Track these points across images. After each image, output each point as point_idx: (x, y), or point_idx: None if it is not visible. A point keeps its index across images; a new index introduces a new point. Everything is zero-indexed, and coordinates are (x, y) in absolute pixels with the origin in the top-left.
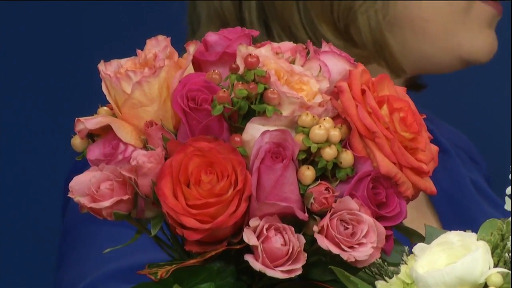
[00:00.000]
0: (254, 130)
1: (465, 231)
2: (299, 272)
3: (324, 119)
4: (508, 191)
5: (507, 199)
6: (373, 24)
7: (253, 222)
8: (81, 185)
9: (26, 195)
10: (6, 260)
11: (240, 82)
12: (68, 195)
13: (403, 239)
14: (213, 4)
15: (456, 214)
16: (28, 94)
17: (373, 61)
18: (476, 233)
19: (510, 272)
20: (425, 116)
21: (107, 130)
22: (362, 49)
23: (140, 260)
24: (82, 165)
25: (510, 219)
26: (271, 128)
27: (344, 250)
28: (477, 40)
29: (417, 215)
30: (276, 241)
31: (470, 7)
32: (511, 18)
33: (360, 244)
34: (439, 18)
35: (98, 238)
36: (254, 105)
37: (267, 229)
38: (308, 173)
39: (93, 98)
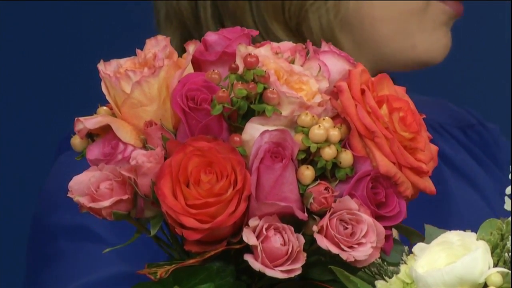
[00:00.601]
0: (254, 130)
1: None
2: (299, 272)
3: (324, 119)
4: (508, 191)
5: (507, 199)
6: (324, 23)
7: (253, 222)
8: (80, 185)
9: (26, 195)
10: (6, 260)
11: (240, 82)
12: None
13: (402, 239)
14: (171, 3)
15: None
16: (27, 93)
17: None
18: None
19: (510, 272)
20: (424, 116)
21: (106, 130)
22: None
23: (108, 273)
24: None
25: (509, 218)
26: (270, 128)
27: (343, 250)
28: (431, 41)
29: None
30: (276, 241)
31: (427, 7)
32: (511, 18)
33: (359, 244)
34: (393, 18)
35: (67, 254)
36: (254, 105)
37: (266, 229)
38: (307, 173)
39: (93, 98)
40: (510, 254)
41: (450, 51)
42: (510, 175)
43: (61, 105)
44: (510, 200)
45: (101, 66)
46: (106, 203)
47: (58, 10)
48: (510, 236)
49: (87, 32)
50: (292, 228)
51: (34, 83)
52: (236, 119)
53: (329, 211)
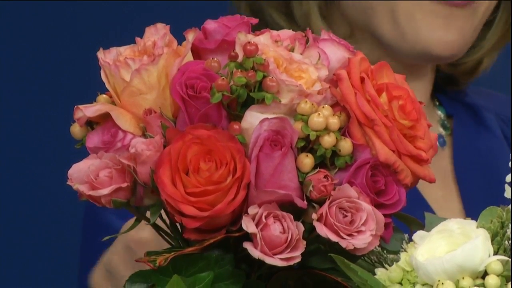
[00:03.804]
0: (253, 118)
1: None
2: (298, 260)
3: (323, 107)
4: (507, 178)
5: (507, 187)
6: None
7: (252, 209)
8: (79, 173)
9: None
10: (6, 260)
11: (239, 70)
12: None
13: (402, 227)
14: None
15: (482, 194)
16: (27, 82)
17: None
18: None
19: (510, 259)
20: (424, 104)
21: (106, 118)
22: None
23: None
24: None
25: (510, 206)
26: (270, 116)
27: (343, 238)
28: (434, 34)
29: (442, 194)
30: (275, 228)
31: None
32: (511, 18)
33: (359, 232)
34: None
35: None
36: (253, 93)
37: (266, 217)
38: (307, 161)
39: (92, 86)
40: (510, 242)
41: None
42: (510, 163)
43: (60, 93)
44: (510, 188)
45: (100, 54)
46: (105, 191)
47: None
48: (510, 224)
49: (86, 20)
50: (292, 216)
51: (33, 72)
52: (236, 107)
53: (329, 199)
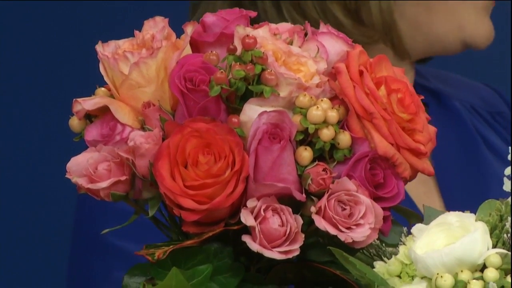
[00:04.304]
0: (252, 111)
1: (469, 209)
2: (297, 253)
3: (322, 100)
4: (507, 171)
5: (506, 180)
6: (384, 6)
7: (251, 203)
8: (78, 166)
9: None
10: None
11: (238, 63)
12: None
13: (401, 220)
14: None
15: (461, 189)
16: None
17: (381, 42)
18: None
19: (509, 253)
20: (423, 97)
21: (104, 111)
22: (371, 29)
23: None
24: None
25: (509, 199)
26: (268, 109)
27: (341, 231)
28: (477, 25)
29: (424, 191)
30: (274, 222)
31: None
32: (511, 18)
33: (357, 225)
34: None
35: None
36: (252, 86)
37: (264, 210)
38: (305, 154)
39: (91, 79)
40: (509, 235)
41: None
42: (509, 156)
43: (59, 86)
44: (509, 181)
45: (99, 47)
46: (104, 184)
47: None
48: (509, 217)
49: (85, 13)
50: (290, 209)
51: (32, 64)
52: (234, 100)
53: (327, 192)
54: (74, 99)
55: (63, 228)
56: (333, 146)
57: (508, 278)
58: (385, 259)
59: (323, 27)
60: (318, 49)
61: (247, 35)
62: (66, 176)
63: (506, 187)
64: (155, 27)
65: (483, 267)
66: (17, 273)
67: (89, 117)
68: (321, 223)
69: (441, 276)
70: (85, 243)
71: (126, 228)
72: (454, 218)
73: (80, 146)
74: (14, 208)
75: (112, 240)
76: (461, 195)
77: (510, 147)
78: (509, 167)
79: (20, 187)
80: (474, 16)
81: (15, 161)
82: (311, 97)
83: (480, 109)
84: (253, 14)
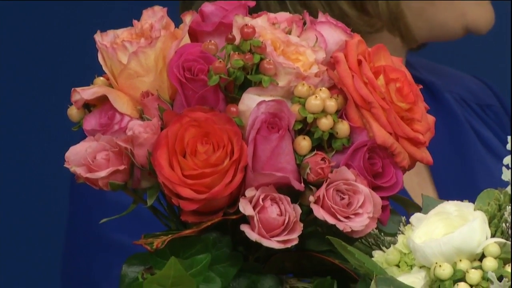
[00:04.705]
0: (250, 101)
1: (462, 200)
2: (295, 242)
3: (320, 90)
4: (506, 160)
5: (505, 170)
6: None
7: (249, 192)
8: (77, 155)
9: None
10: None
11: (236, 52)
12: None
13: (399, 209)
14: None
15: (454, 180)
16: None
17: (382, 30)
18: (476, 195)
19: (507, 242)
20: (421, 87)
21: (103, 100)
22: (377, 19)
23: None
24: None
25: (508, 188)
26: (267, 99)
27: (340, 220)
28: (479, 10)
29: (417, 181)
30: (272, 211)
31: None
32: (511, 18)
33: (356, 214)
34: None
35: None
36: (250, 76)
37: (263, 199)
38: (304, 143)
39: (90, 69)
40: (507, 224)
41: (450, 50)
42: (508, 145)
43: (57, 75)
44: (508, 171)
45: (98, 36)
46: (102, 173)
47: None
48: (507, 207)
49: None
50: (289, 199)
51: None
52: (233, 89)
53: (326, 182)
54: (72, 89)
55: (56, 225)
56: (332, 135)
57: (507, 267)
58: (384, 248)
59: (321, 17)
60: (317, 38)
61: (246, 25)
62: (64, 165)
63: (505, 176)
64: (154, 16)
65: (482, 257)
66: (10, 272)
67: (88, 106)
68: (319, 212)
69: (440, 266)
70: (81, 238)
71: (125, 222)
72: (452, 207)
73: (76, 138)
74: (10, 204)
75: (110, 234)
76: (454, 186)
77: (509, 137)
78: (509, 156)
79: (14, 182)
80: (475, 2)
81: (11, 155)
82: (310, 87)
83: (470, 101)
84: (252, 3)
